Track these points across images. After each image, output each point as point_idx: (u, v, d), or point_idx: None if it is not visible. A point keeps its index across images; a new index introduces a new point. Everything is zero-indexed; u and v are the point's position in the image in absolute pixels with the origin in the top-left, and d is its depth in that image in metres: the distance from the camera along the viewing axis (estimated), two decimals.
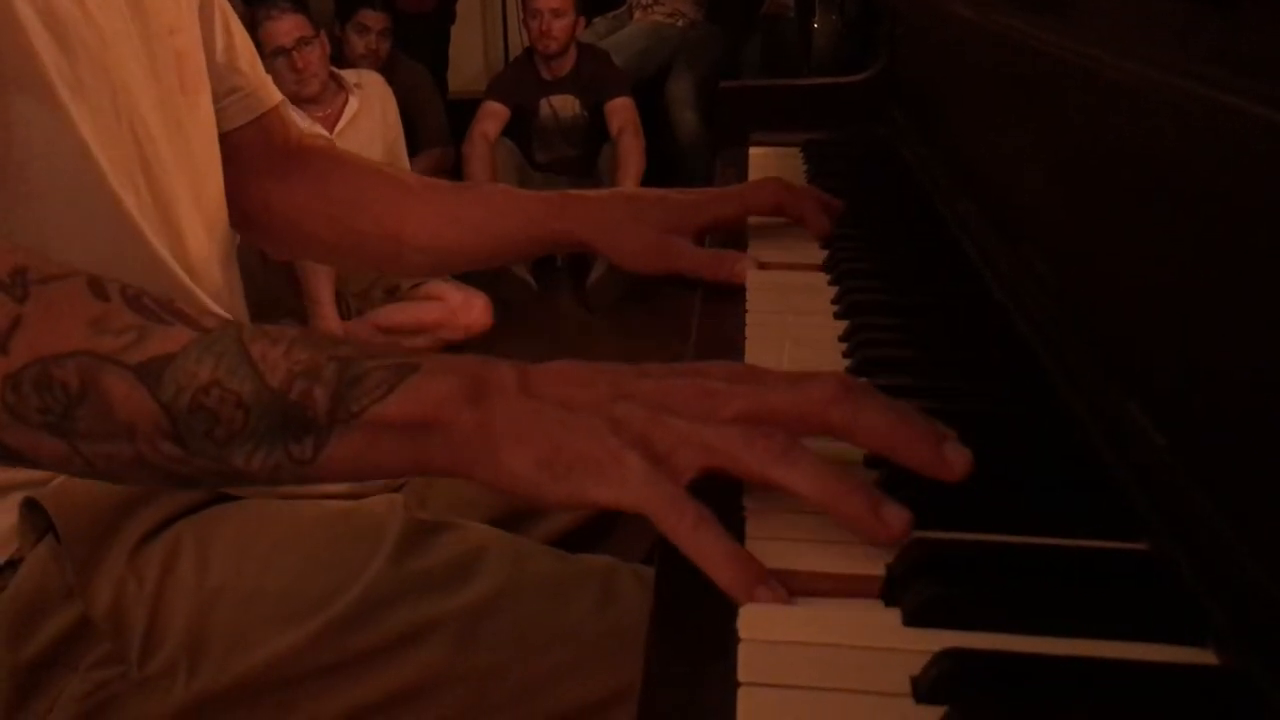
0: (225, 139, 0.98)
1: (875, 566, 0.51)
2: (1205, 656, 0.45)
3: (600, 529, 0.96)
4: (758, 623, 0.47)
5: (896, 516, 0.51)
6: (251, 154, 1.03)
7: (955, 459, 0.53)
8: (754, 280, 0.87)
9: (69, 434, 0.55)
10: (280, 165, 1.05)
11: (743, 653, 0.45)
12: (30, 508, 0.77)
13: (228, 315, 0.66)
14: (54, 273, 0.57)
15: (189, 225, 0.87)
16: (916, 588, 0.48)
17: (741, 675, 0.44)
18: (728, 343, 0.76)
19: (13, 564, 0.78)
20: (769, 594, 0.49)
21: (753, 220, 1.02)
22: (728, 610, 0.48)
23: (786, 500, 0.52)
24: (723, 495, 0.54)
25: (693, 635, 0.48)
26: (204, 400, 0.54)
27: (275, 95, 1.05)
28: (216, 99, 0.97)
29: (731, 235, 0.99)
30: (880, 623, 0.48)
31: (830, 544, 0.52)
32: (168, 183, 0.85)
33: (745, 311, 0.82)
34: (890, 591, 0.49)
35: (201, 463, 0.56)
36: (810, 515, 0.53)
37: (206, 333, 0.56)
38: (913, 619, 0.47)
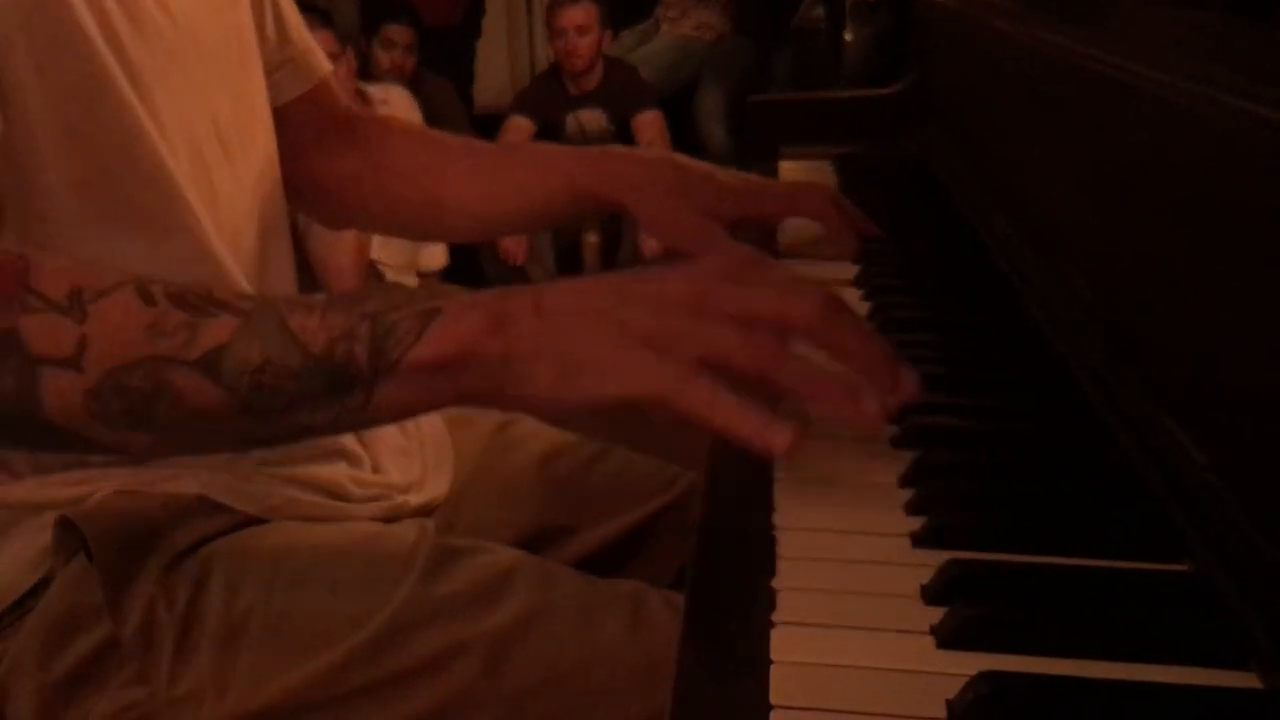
0: (278, 114, 0.98)
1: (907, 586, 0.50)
2: (1248, 679, 0.45)
3: (626, 553, 0.96)
4: (790, 645, 0.47)
5: (870, 402, 0.57)
6: (303, 127, 1.02)
7: (907, 382, 0.60)
8: None
9: (152, 427, 0.61)
10: (331, 138, 1.05)
11: (775, 675, 0.45)
12: (64, 527, 0.77)
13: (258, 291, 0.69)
14: (104, 286, 0.62)
15: (227, 192, 0.86)
16: (952, 610, 0.48)
17: (774, 698, 0.44)
18: None
19: (45, 583, 0.78)
20: (786, 436, 0.55)
21: (784, 240, 1.02)
22: (759, 633, 0.47)
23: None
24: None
25: (724, 658, 0.48)
26: (262, 379, 0.60)
27: (325, 64, 1.04)
28: (269, 72, 0.97)
29: (762, 241, 0.99)
30: (914, 645, 0.47)
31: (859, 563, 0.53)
32: (229, 160, 0.86)
33: None
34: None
35: (273, 427, 0.62)
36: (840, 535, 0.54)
37: (248, 315, 0.61)
38: (948, 641, 0.47)
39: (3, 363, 0.60)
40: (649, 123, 4.07)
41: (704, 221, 0.92)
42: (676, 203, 0.93)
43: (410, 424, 1.01)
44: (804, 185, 1.01)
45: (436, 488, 0.97)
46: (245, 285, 0.83)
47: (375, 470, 0.93)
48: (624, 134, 4.13)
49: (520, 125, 4.09)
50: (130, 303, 0.61)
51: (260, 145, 0.91)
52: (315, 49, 1.03)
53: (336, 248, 3.15)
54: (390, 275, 3.46)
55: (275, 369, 0.60)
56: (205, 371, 0.60)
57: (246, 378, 0.60)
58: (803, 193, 0.98)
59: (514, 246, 3.79)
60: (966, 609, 0.48)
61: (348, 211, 1.08)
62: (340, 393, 0.60)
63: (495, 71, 5.39)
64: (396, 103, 3.79)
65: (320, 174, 1.05)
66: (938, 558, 0.52)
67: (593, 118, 4.14)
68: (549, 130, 4.13)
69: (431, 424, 1.03)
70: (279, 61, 0.99)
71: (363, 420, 0.62)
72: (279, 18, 0.99)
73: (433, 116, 3.97)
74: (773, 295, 0.59)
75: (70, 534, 0.77)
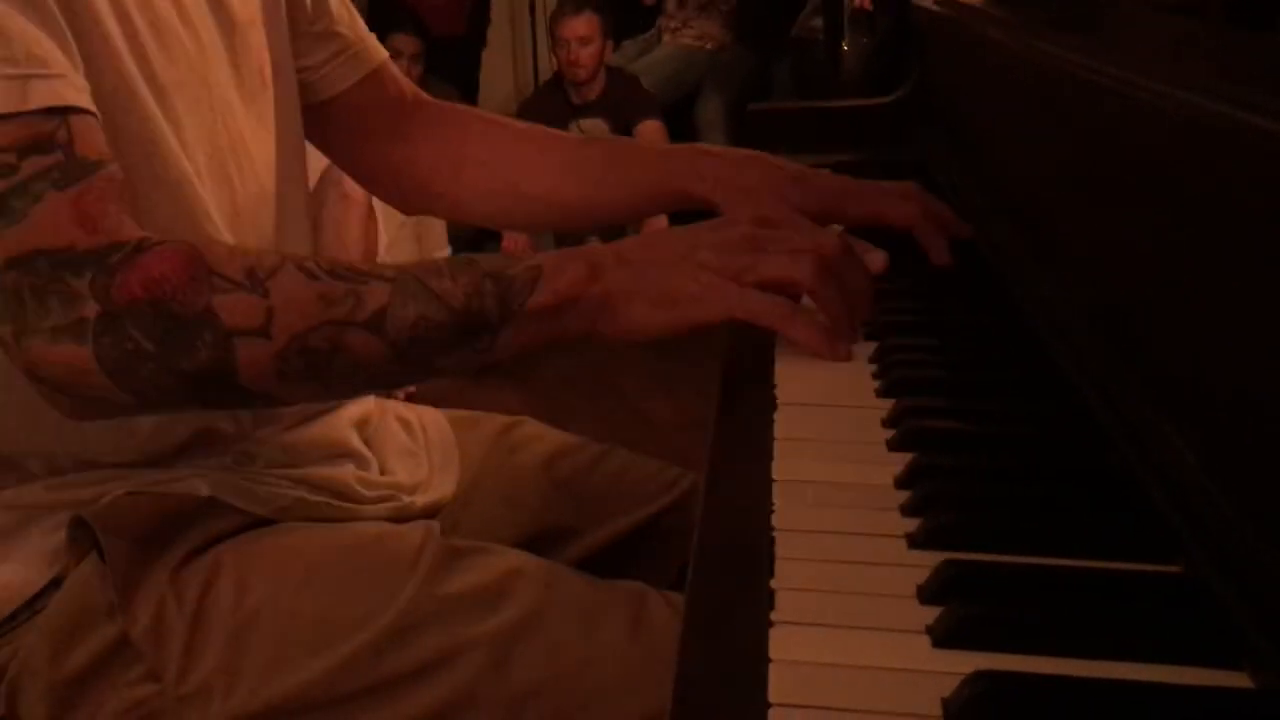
0: (337, 102, 0.99)
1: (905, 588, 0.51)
2: (1240, 679, 0.45)
3: (628, 553, 0.96)
4: (788, 644, 0.47)
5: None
6: (366, 113, 1.03)
7: (875, 261, 0.83)
8: None
9: (325, 379, 0.72)
10: (399, 123, 1.05)
11: (774, 674, 0.45)
12: (77, 526, 0.78)
13: None
14: (272, 265, 0.71)
15: (245, 197, 0.88)
16: (948, 609, 0.48)
17: (772, 697, 0.44)
18: (760, 364, 0.76)
19: (57, 582, 0.79)
20: (845, 344, 0.74)
21: None
22: (758, 632, 0.48)
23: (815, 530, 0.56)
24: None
25: (723, 657, 0.48)
26: (417, 333, 0.71)
27: (380, 53, 1.04)
28: (320, 65, 0.98)
29: None
30: (910, 645, 0.47)
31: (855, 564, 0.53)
32: (253, 174, 0.88)
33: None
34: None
35: (416, 371, 0.75)
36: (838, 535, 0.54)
37: (393, 281, 0.71)
38: (944, 640, 0.47)
39: (200, 338, 0.68)
40: (650, 132, 4.07)
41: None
42: (766, 202, 0.91)
43: (416, 426, 1.02)
44: (894, 190, 0.96)
45: (442, 488, 0.98)
46: None
47: (382, 471, 0.94)
48: None
49: None
50: (298, 277, 0.70)
51: (272, 151, 0.92)
52: (369, 38, 1.04)
53: (344, 249, 3.16)
54: None
55: (428, 323, 0.70)
56: (373, 330, 0.70)
57: (406, 332, 0.70)
58: (890, 200, 0.94)
59: (515, 246, 3.79)
60: (962, 609, 0.48)
61: (425, 198, 1.08)
62: (473, 339, 0.72)
63: (499, 80, 5.39)
64: None
65: (386, 158, 1.05)
66: (934, 558, 0.52)
67: (595, 127, 4.14)
68: None
69: (437, 426, 1.04)
70: (330, 54, 0.99)
71: (484, 360, 0.74)
72: (323, 13, 0.99)
73: None
74: (806, 233, 0.75)
75: (83, 533, 0.78)
